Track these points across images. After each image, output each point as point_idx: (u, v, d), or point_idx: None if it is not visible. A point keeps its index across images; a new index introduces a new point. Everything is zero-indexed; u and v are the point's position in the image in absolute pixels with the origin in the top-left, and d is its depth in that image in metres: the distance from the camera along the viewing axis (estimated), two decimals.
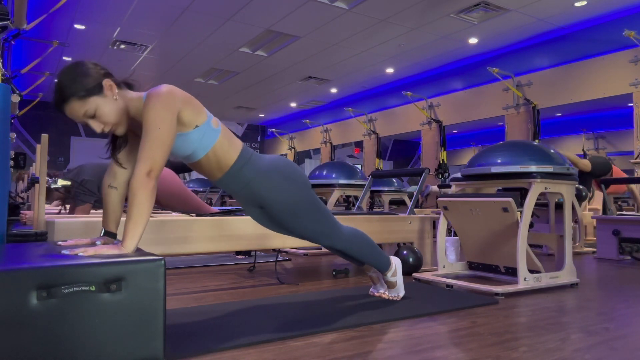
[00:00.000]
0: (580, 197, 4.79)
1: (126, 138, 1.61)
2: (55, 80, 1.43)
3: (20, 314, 1.11)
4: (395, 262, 2.17)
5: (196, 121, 1.53)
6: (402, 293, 2.18)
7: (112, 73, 1.52)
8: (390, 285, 2.17)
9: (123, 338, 1.22)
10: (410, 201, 5.03)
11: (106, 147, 1.61)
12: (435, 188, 6.96)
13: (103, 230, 1.60)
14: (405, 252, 2.97)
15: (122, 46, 6.79)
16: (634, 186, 5.24)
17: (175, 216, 2.41)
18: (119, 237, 1.84)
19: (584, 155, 8.90)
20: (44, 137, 1.99)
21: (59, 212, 3.08)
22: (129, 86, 1.56)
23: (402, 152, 12.73)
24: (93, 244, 1.49)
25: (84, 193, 2.97)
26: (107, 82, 1.45)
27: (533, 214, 2.53)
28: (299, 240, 2.61)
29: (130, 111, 1.51)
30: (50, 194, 3.70)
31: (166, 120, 1.42)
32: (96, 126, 1.46)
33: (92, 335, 1.19)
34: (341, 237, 1.92)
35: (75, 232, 1.99)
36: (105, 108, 1.45)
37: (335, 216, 2.70)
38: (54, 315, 1.15)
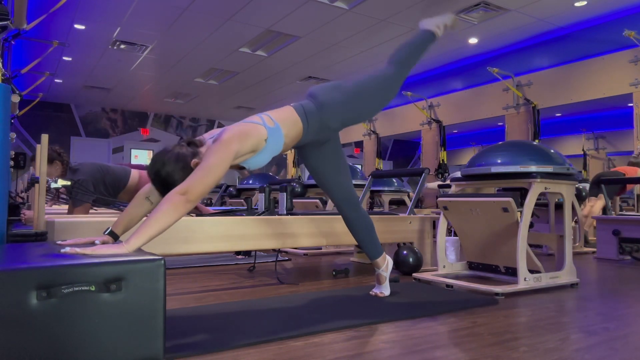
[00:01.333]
0: (580, 197, 4.79)
1: None
2: (155, 182, 1.60)
3: (20, 314, 1.11)
4: (389, 259, 2.29)
5: (263, 137, 1.74)
6: (387, 292, 2.25)
7: (185, 144, 1.66)
8: (381, 280, 2.27)
9: (123, 338, 1.22)
10: (410, 201, 5.03)
11: None
12: (432, 185, 6.92)
13: (109, 229, 1.63)
14: (405, 252, 2.97)
15: (122, 46, 6.79)
16: None
17: None
18: (121, 239, 1.86)
19: (584, 155, 8.91)
20: (44, 137, 1.99)
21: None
22: (194, 144, 1.69)
23: (402, 152, 12.73)
24: (92, 244, 1.50)
25: (81, 193, 2.97)
26: (194, 164, 1.60)
27: (533, 214, 2.53)
28: (299, 240, 2.61)
29: None
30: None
31: (219, 159, 1.56)
32: None
33: (92, 335, 1.19)
34: (396, 74, 2.10)
35: (75, 232, 1.99)
36: None
37: (334, 216, 2.70)
38: (54, 315, 1.15)
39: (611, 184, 4.44)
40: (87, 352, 1.18)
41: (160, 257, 1.30)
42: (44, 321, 1.13)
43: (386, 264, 2.25)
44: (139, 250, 1.41)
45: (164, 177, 1.58)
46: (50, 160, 3.07)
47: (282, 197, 2.87)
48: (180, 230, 2.25)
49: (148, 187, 1.69)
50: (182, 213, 1.45)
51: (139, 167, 3.51)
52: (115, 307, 1.22)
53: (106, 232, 1.61)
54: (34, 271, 1.14)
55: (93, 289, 1.19)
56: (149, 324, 1.26)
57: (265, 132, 1.75)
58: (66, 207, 3.92)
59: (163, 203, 1.44)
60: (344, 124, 2.01)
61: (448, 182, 5.74)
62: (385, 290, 2.24)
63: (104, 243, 1.52)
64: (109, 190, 3.15)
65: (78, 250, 1.34)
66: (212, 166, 1.54)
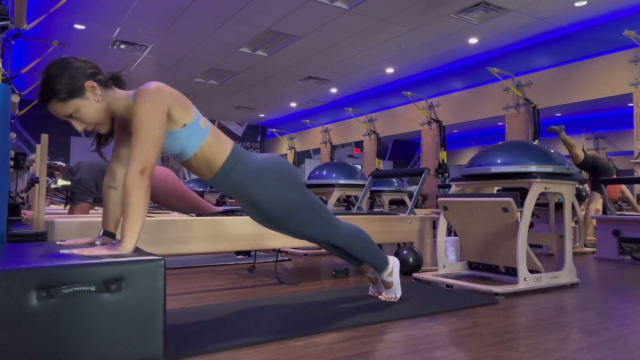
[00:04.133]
0: (580, 197, 4.79)
1: (111, 133, 1.62)
2: (41, 77, 1.44)
3: (20, 314, 1.11)
4: (393, 262, 2.14)
5: (184, 119, 1.53)
6: (399, 294, 2.15)
7: (100, 70, 1.51)
8: (387, 286, 2.15)
9: (123, 338, 1.22)
10: (410, 201, 5.03)
11: (92, 142, 1.64)
12: None
13: (102, 230, 1.60)
14: (405, 252, 2.96)
15: (122, 46, 6.79)
16: (628, 192, 5.24)
17: (175, 216, 2.41)
18: (118, 236, 1.85)
19: (584, 155, 8.90)
20: (44, 137, 1.99)
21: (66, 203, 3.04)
22: (117, 81, 1.56)
23: (402, 152, 12.73)
24: (92, 244, 1.50)
25: (81, 192, 2.97)
26: (89, 84, 1.45)
27: (533, 214, 2.53)
28: (299, 240, 2.61)
29: (117, 110, 1.52)
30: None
31: (156, 117, 1.43)
32: (77, 125, 1.49)
33: (92, 335, 1.19)
34: (340, 234, 1.89)
35: (75, 232, 1.99)
36: (85, 110, 1.46)
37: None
38: (54, 315, 1.15)
39: (609, 184, 4.43)
40: (87, 352, 1.18)
41: (160, 257, 1.30)
42: (44, 321, 1.13)
43: (390, 270, 2.12)
44: (139, 250, 1.41)
45: (47, 76, 1.43)
46: (50, 175, 3.06)
47: None
48: (180, 230, 2.25)
49: (106, 177, 1.62)
50: (149, 188, 1.40)
51: None
52: (115, 307, 1.22)
53: (101, 234, 1.59)
54: (34, 271, 1.14)
55: (93, 289, 1.19)
56: (149, 323, 1.26)
57: (192, 118, 1.55)
58: (63, 207, 3.91)
59: (131, 190, 1.36)
60: (256, 205, 1.71)
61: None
62: (397, 291, 2.15)
63: (103, 244, 1.51)
64: None
65: (76, 251, 1.33)
66: (152, 132, 1.41)
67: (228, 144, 1.65)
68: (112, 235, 1.60)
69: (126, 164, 1.60)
